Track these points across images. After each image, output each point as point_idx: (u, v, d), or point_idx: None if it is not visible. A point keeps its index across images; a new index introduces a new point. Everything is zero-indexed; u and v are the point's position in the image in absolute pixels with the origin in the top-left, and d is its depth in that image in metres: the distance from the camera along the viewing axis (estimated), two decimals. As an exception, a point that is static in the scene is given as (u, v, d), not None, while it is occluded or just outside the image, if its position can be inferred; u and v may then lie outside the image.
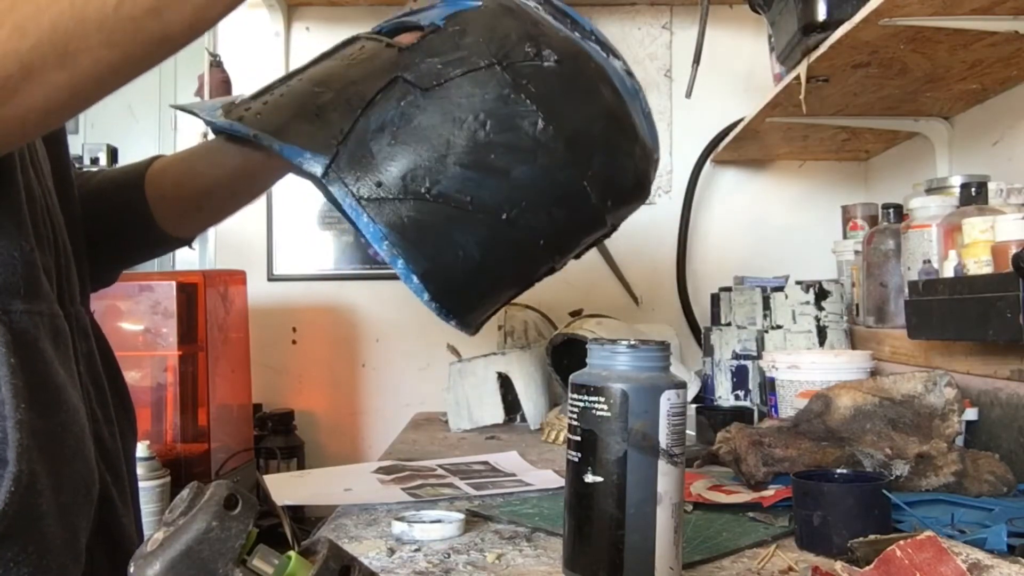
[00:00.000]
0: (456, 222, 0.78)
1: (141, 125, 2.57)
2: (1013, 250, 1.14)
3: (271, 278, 2.49)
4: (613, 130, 0.84)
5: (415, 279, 0.78)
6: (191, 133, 2.44)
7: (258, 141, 0.79)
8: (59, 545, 0.67)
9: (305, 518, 2.07)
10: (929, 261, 1.51)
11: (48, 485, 0.67)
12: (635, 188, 0.88)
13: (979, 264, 1.31)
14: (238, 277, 2.27)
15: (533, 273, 0.88)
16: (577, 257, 0.91)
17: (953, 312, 1.29)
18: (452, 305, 0.81)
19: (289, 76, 0.86)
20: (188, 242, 1.01)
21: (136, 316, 1.90)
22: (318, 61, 0.87)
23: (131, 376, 1.80)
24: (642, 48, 2.47)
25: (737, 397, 1.94)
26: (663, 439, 0.80)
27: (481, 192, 0.78)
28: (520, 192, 0.80)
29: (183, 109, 0.91)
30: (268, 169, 0.95)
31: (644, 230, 2.46)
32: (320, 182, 0.77)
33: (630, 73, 0.89)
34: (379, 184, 0.77)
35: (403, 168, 0.77)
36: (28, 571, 0.65)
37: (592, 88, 0.83)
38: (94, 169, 1.02)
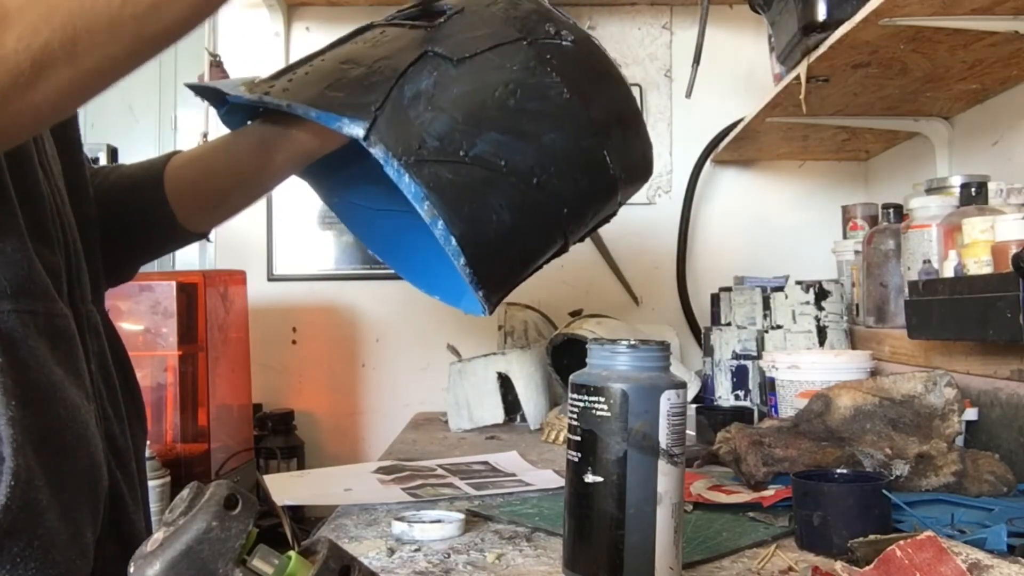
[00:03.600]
0: (491, 185, 0.81)
1: (141, 125, 2.57)
2: (1013, 250, 1.14)
3: (271, 278, 2.49)
4: (624, 108, 0.90)
5: (454, 241, 0.78)
6: (191, 133, 2.44)
7: (291, 111, 0.81)
8: (63, 541, 0.68)
9: (305, 518, 2.07)
10: (929, 261, 1.51)
11: (45, 482, 0.67)
12: (642, 165, 0.93)
13: (979, 264, 1.31)
14: (238, 277, 2.27)
15: (552, 245, 0.90)
16: (582, 239, 0.94)
17: (953, 312, 1.29)
18: (483, 272, 0.82)
19: (309, 58, 0.88)
20: (206, 235, 1.03)
21: (136, 316, 1.90)
22: (336, 45, 0.88)
23: (131, 376, 1.79)
24: (642, 48, 2.47)
25: (737, 397, 1.94)
26: (663, 439, 0.80)
27: (514, 155, 0.81)
28: (549, 157, 0.83)
29: (198, 87, 0.92)
30: (285, 163, 0.95)
31: (644, 230, 2.46)
32: (362, 144, 0.79)
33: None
34: (419, 147, 0.78)
35: (440, 132, 0.79)
36: (35, 566, 0.65)
37: (603, 69, 0.89)
38: (108, 165, 1.03)
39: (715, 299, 2.22)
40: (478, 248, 0.80)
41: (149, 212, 0.96)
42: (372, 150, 0.78)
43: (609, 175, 0.88)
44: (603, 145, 0.86)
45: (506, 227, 0.82)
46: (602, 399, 0.81)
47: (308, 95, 0.81)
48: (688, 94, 1.78)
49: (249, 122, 0.96)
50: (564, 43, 0.86)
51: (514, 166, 0.81)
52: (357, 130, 0.78)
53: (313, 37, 2.48)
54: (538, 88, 0.83)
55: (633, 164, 0.91)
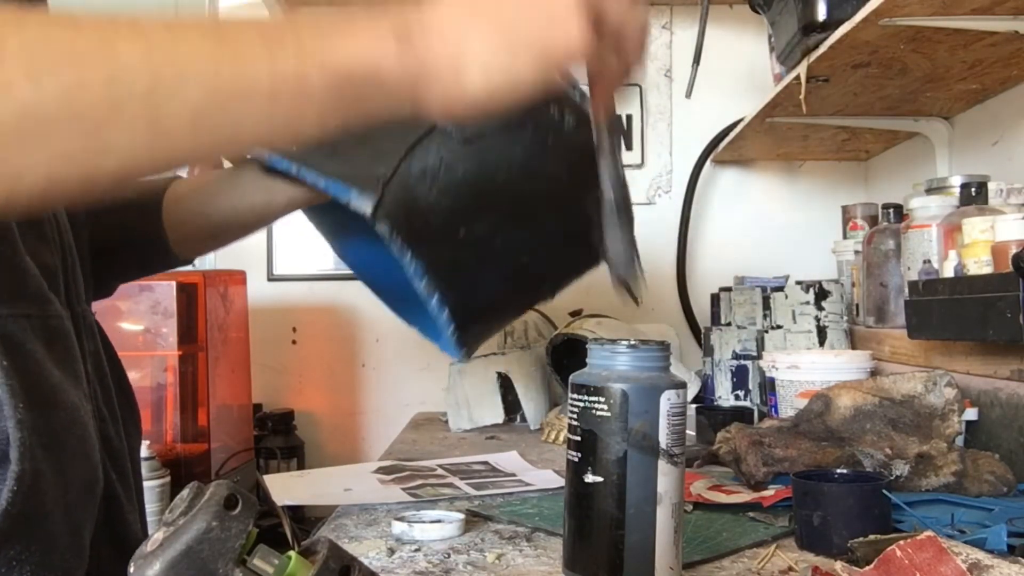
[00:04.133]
0: (484, 263, 0.84)
1: (141, 125, 2.57)
2: (1013, 250, 1.14)
3: (271, 278, 2.49)
4: (619, 197, 0.90)
5: (446, 314, 0.81)
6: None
7: (300, 177, 0.81)
8: (63, 543, 0.68)
9: (305, 518, 2.06)
10: (929, 261, 1.51)
11: (53, 483, 0.67)
12: (627, 252, 0.94)
13: (979, 264, 1.31)
14: (238, 277, 2.27)
15: (527, 309, 0.95)
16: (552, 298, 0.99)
17: (953, 312, 1.28)
18: (468, 335, 0.86)
19: None
20: (191, 261, 1.04)
21: (136, 316, 1.90)
22: None
23: (131, 376, 1.80)
24: (642, 48, 2.47)
25: (737, 397, 1.94)
26: (663, 439, 0.80)
27: (509, 237, 0.84)
28: (541, 239, 0.87)
29: None
30: (287, 205, 0.96)
31: (644, 230, 2.45)
32: (368, 220, 0.81)
33: None
34: (422, 226, 0.80)
35: (443, 212, 0.81)
36: (31, 569, 0.65)
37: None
38: None
39: (715, 299, 2.22)
40: (466, 318, 0.84)
41: (144, 236, 0.97)
42: (377, 226, 0.80)
43: (595, 254, 0.90)
44: (593, 229, 0.88)
45: (491, 299, 0.86)
46: (602, 399, 0.81)
47: (315, 159, 0.82)
48: (688, 94, 1.78)
49: None
50: (566, 126, 0.87)
51: (507, 247, 0.84)
52: (365, 206, 0.79)
53: (313, 37, 2.47)
54: (539, 173, 0.85)
55: (621, 249, 0.92)
